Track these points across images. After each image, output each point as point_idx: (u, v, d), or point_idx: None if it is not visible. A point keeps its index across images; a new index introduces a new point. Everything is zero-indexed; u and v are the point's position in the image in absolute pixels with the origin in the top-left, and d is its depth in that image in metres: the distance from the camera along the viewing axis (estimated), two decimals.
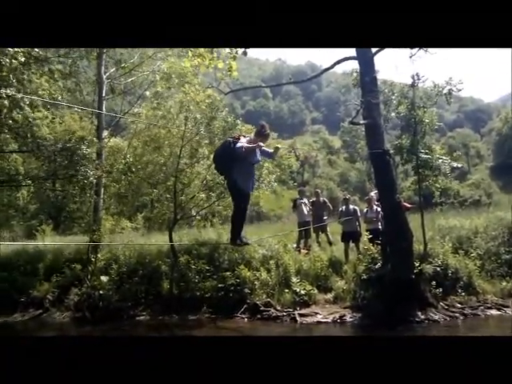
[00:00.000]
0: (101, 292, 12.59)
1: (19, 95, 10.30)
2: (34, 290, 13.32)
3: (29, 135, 12.01)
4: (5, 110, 11.32)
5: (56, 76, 12.37)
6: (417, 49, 11.45)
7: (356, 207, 13.20)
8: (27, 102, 11.45)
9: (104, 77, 15.18)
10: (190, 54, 8.59)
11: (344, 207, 12.99)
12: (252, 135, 5.97)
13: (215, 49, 8.28)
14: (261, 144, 5.68)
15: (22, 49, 10.02)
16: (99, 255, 13.61)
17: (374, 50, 11.58)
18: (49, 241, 16.07)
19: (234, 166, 5.68)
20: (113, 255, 13.67)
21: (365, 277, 11.21)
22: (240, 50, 8.50)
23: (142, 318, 12.00)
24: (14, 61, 9.87)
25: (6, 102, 11.04)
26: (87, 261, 13.40)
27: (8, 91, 10.44)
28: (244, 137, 5.84)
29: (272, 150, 6.24)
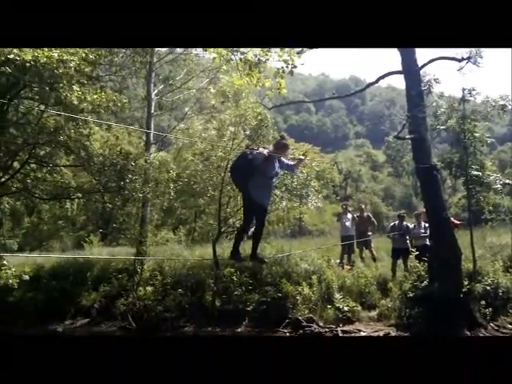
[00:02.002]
0: (146, 302, 12.86)
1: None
2: (82, 299, 13.72)
3: (81, 151, 12.57)
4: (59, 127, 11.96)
5: (107, 93, 12.90)
6: (465, 62, 11.21)
7: (409, 224, 12.85)
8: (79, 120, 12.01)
9: (153, 94, 15.69)
10: (238, 73, 8.77)
11: (397, 222, 12.75)
12: (270, 147, 5.72)
13: (263, 67, 8.43)
14: (290, 150, 5.55)
15: (75, 67, 10.52)
16: (145, 266, 13.91)
17: (419, 63, 11.43)
18: (96, 251, 16.60)
19: (251, 178, 5.39)
20: (158, 266, 13.94)
21: (411, 295, 10.90)
22: (287, 69, 8.62)
23: (185, 329, 12.13)
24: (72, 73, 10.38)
25: (61, 120, 11.65)
26: (133, 271, 13.73)
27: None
28: (264, 148, 5.61)
29: (294, 163, 5.95)
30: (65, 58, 10.33)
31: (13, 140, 13.56)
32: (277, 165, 5.59)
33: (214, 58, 9.12)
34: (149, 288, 13.20)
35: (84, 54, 11.36)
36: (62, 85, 10.74)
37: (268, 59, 8.12)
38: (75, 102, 10.89)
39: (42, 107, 12.21)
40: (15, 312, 13.03)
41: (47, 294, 13.77)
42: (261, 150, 5.47)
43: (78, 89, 11.09)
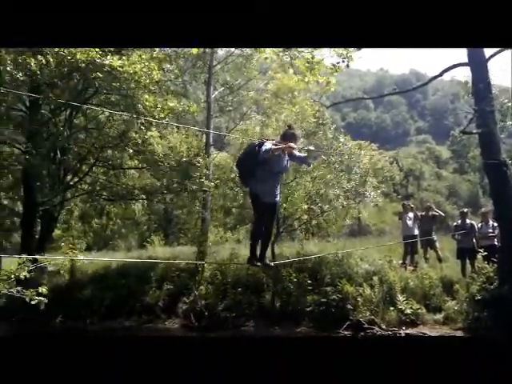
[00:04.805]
0: (207, 301, 13.13)
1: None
2: (146, 297, 14.21)
3: (147, 153, 13.08)
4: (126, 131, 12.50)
5: (170, 96, 13.33)
6: None
7: (473, 222, 12.29)
8: (142, 123, 12.50)
9: (212, 97, 16.01)
10: (291, 71, 8.83)
11: (460, 221, 12.24)
12: (278, 138, 5.28)
13: (317, 65, 8.40)
14: (292, 145, 4.91)
15: (143, 72, 10.90)
16: (205, 265, 14.18)
17: (487, 54, 10.92)
18: (159, 251, 17.10)
19: (258, 173, 5.05)
20: (218, 265, 14.18)
21: (479, 297, 10.44)
22: (343, 64, 8.52)
23: (245, 328, 12.25)
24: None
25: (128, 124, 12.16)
26: (195, 270, 14.03)
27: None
28: (271, 140, 5.18)
29: (306, 155, 5.41)
30: (148, 69, 10.84)
31: (81, 144, 14.32)
32: (286, 158, 5.20)
33: (266, 59, 9.21)
34: (210, 287, 13.47)
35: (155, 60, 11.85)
36: (140, 92, 11.26)
37: (322, 59, 8.08)
38: (152, 109, 11.36)
39: (114, 113, 12.83)
40: (85, 308, 13.72)
41: (115, 291, 14.34)
42: (267, 142, 5.08)
43: (152, 97, 11.60)
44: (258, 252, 5.50)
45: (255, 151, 5.01)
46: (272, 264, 6.04)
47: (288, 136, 5.16)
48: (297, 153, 5.23)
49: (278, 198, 5.34)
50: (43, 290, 5.98)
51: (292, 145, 4.92)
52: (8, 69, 10.06)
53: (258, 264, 5.67)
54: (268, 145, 4.95)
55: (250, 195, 5.33)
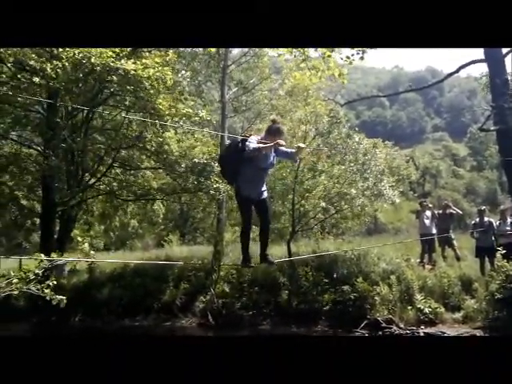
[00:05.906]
0: (223, 300, 13.17)
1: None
2: (163, 296, 14.29)
3: (163, 155, 13.19)
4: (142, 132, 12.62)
5: (184, 97, 13.40)
6: None
7: (491, 220, 12.11)
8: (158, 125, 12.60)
9: (227, 97, 16.07)
10: (303, 65, 8.81)
11: (478, 219, 12.09)
12: (263, 133, 5.09)
13: (331, 58, 8.38)
14: (281, 142, 4.75)
15: (156, 76, 10.97)
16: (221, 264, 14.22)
17: (504, 50, 10.77)
18: (176, 250, 17.19)
19: (243, 170, 4.91)
20: (234, 264, 14.19)
21: (498, 296, 10.30)
22: (357, 55, 8.50)
23: (262, 327, 12.26)
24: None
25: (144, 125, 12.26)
26: (211, 269, 14.09)
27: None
28: (256, 136, 5.02)
29: (294, 150, 5.20)
30: (162, 74, 10.96)
31: (98, 145, 14.49)
32: (272, 154, 5.05)
33: (279, 55, 9.21)
34: (226, 286, 13.51)
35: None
36: (154, 95, 11.38)
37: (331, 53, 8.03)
38: (166, 112, 11.46)
39: (128, 114, 12.95)
40: (104, 307, 13.87)
41: (132, 291, 14.46)
42: (252, 137, 4.89)
43: (166, 101, 11.70)
44: (260, 251, 5.44)
45: (239, 147, 4.88)
46: (275, 262, 5.85)
47: (273, 131, 4.98)
48: (283, 148, 5.07)
49: (265, 195, 5.22)
50: (53, 282, 6.04)
51: (281, 142, 4.77)
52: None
53: (252, 265, 5.69)
54: (253, 141, 4.81)
55: (237, 193, 5.18)
